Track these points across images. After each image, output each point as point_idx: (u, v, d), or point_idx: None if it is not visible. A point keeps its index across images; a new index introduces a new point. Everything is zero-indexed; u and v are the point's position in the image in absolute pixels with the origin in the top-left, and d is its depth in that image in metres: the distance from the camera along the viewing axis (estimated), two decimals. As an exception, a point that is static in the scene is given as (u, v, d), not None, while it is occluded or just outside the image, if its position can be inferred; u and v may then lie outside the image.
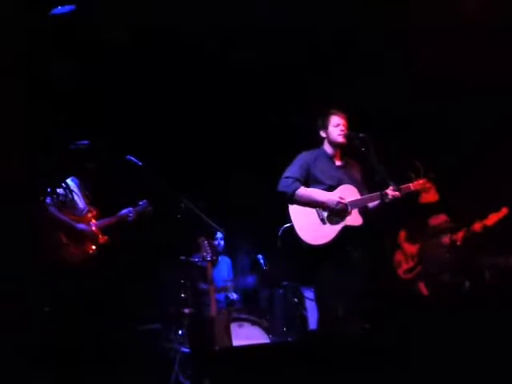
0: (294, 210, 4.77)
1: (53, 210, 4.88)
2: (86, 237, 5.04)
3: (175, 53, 6.04)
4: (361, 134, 4.71)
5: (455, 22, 5.82)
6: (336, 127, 4.87)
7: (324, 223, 4.72)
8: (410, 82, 6.34)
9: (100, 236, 5.14)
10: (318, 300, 4.87)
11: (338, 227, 4.70)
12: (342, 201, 4.69)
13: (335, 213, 4.72)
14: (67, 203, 4.98)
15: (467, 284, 6.11)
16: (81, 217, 5.09)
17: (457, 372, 3.18)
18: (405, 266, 6.57)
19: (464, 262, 6.22)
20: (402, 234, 6.68)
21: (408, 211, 6.18)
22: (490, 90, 6.27)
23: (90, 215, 5.17)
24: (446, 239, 6.34)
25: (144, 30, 5.76)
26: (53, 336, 4.38)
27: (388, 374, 3.18)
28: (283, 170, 4.91)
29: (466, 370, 3.18)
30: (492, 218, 6.15)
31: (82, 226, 5.04)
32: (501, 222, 6.13)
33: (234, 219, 6.76)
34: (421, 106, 6.53)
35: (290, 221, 4.79)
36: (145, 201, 5.49)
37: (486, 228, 6.14)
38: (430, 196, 6.39)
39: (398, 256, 6.65)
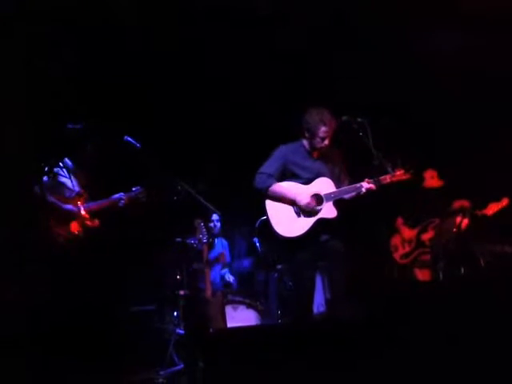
0: (270, 203, 4.85)
1: (38, 189, 4.83)
2: (73, 218, 5.01)
3: (175, 32, 6.01)
4: (359, 119, 4.71)
5: (454, 11, 5.80)
6: (322, 140, 4.85)
7: (299, 216, 4.80)
8: (413, 70, 6.33)
9: (88, 219, 5.10)
10: (295, 288, 4.94)
11: (312, 219, 4.78)
12: (311, 204, 4.74)
13: (305, 211, 4.77)
14: (56, 183, 4.96)
15: (462, 271, 6.12)
16: (69, 198, 5.06)
17: (451, 357, 3.19)
18: (401, 251, 6.58)
19: (460, 249, 6.23)
20: (400, 219, 6.68)
21: (405, 197, 6.20)
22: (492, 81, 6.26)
23: (79, 197, 5.13)
24: (455, 224, 6.34)
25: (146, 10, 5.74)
26: (42, 317, 4.39)
27: (383, 359, 3.20)
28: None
29: (461, 355, 3.19)
30: (492, 208, 6.16)
31: (68, 206, 5.01)
32: (500, 212, 6.14)
33: (231, 202, 6.76)
34: (418, 95, 6.53)
35: (265, 214, 4.86)
36: (139, 187, 5.41)
37: (484, 217, 6.15)
38: (434, 181, 6.44)
39: (395, 240, 6.66)
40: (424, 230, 6.52)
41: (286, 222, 4.77)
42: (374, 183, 4.75)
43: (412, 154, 5.06)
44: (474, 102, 6.42)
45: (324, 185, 4.85)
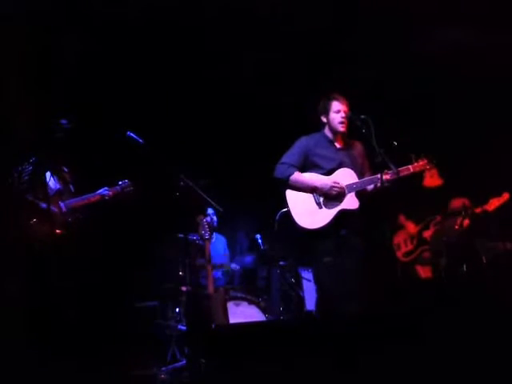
0: (291, 195, 4.79)
1: (16, 188, 4.77)
2: (52, 216, 4.86)
3: (178, 27, 6.00)
4: (362, 116, 4.69)
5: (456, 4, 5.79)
6: (337, 113, 4.85)
7: (320, 207, 4.73)
8: (415, 64, 6.32)
9: (69, 215, 5.03)
10: (316, 280, 4.89)
11: (334, 211, 4.71)
12: (336, 185, 4.70)
13: (331, 197, 4.73)
14: (35, 182, 4.84)
15: (464, 268, 6.12)
16: (50, 196, 4.98)
17: (454, 352, 3.20)
18: (404, 249, 6.58)
19: (462, 247, 6.23)
20: (402, 216, 6.68)
21: (407, 194, 6.19)
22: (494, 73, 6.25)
23: (60, 195, 5.06)
24: (458, 222, 6.33)
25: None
26: (45, 313, 4.38)
27: (386, 355, 3.20)
28: (284, 152, 4.92)
29: (464, 352, 3.19)
30: (493, 203, 6.14)
31: (46, 205, 4.86)
32: (501, 207, 6.13)
33: (233, 199, 6.77)
34: (424, 89, 6.52)
35: (286, 206, 4.80)
36: (126, 181, 5.39)
37: (486, 213, 6.14)
38: (434, 180, 6.39)
39: (398, 238, 6.66)
40: (426, 228, 6.52)
41: (308, 214, 4.72)
42: (394, 174, 4.72)
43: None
44: (472, 99, 6.43)
45: (346, 175, 4.80)
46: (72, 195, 5.16)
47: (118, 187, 5.33)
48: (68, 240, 4.92)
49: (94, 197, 5.22)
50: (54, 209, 4.97)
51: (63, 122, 4.97)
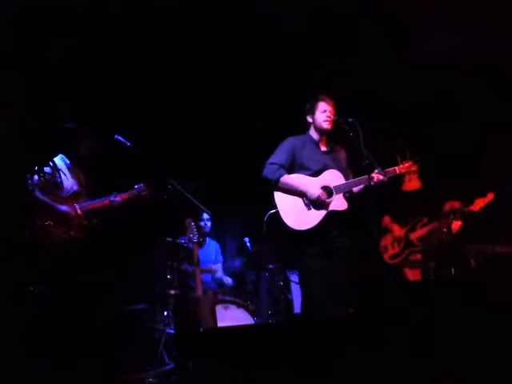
0: (280, 196, 4.78)
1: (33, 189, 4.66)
2: (68, 219, 4.86)
3: (171, 30, 5.98)
4: (349, 119, 4.72)
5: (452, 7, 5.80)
6: (323, 113, 4.90)
7: (309, 208, 4.74)
8: (405, 66, 6.33)
9: (85, 218, 4.95)
10: (302, 284, 4.89)
11: (322, 212, 4.72)
12: (322, 197, 4.71)
13: (315, 204, 4.75)
14: (51, 183, 4.79)
15: (453, 271, 6.13)
16: (65, 198, 4.94)
17: (440, 356, 3.20)
18: (391, 252, 6.58)
19: (451, 250, 6.24)
20: (387, 219, 6.68)
21: (392, 197, 6.21)
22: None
23: (76, 197, 5.05)
24: (446, 225, 6.33)
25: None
26: (38, 316, 4.35)
27: (371, 358, 3.20)
28: (270, 154, 4.92)
29: (451, 356, 3.20)
30: (478, 204, 6.16)
31: (63, 207, 4.86)
32: (487, 207, 6.14)
33: (222, 202, 6.76)
34: (413, 92, 6.54)
35: (275, 206, 4.79)
36: (141, 184, 5.23)
37: (471, 214, 6.15)
38: (413, 184, 6.40)
39: (385, 241, 6.66)
40: (412, 230, 6.53)
41: (297, 215, 4.71)
42: (384, 175, 4.75)
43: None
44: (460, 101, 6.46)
45: (333, 177, 4.83)
46: (86, 198, 5.10)
47: (134, 191, 5.20)
48: (82, 244, 4.88)
49: (102, 202, 5.11)
50: (69, 209, 4.93)
51: (73, 124, 4.98)
